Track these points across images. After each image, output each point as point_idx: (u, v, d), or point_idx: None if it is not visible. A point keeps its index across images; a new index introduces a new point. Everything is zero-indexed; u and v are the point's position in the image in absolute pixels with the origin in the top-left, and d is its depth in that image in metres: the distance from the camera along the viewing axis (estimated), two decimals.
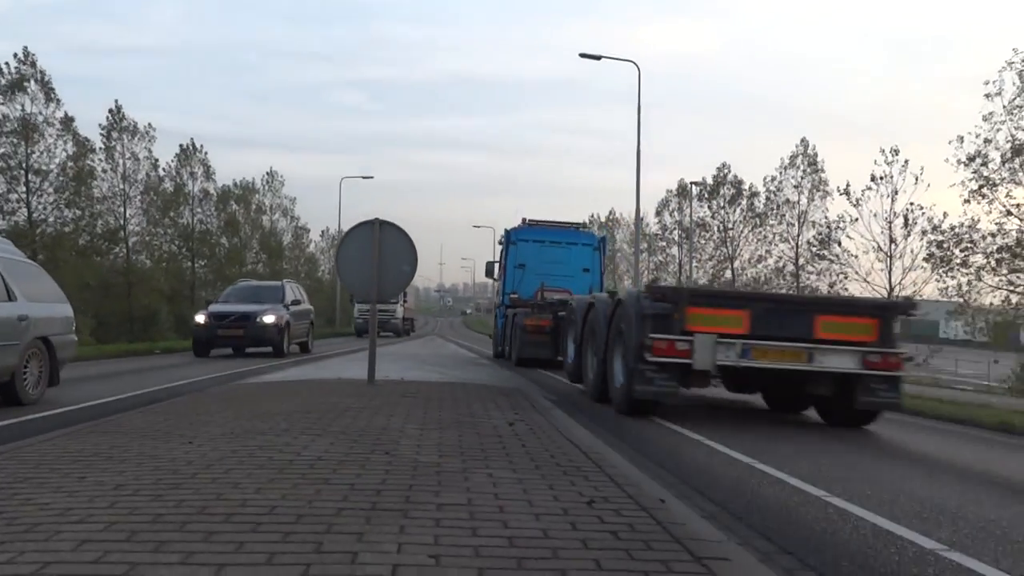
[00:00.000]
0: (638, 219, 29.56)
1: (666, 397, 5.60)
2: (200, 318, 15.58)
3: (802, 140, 42.94)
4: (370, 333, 8.96)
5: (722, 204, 48.79)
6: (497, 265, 16.27)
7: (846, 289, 29.87)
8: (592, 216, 68.48)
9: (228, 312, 15.54)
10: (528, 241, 14.65)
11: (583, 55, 24.84)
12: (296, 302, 16.94)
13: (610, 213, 68.70)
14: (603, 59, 24.92)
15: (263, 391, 7.87)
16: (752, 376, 5.40)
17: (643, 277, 52.15)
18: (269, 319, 15.54)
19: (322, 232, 63.62)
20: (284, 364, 14.20)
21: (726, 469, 4.62)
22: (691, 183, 39.40)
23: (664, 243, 53.05)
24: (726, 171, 48.76)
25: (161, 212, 36.91)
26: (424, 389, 8.30)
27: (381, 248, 8.56)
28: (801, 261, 41.52)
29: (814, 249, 39.09)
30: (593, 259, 14.53)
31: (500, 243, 15.44)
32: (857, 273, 27.85)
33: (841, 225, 31.94)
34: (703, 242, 49.63)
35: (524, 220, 14.96)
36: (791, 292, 23.27)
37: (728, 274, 47.79)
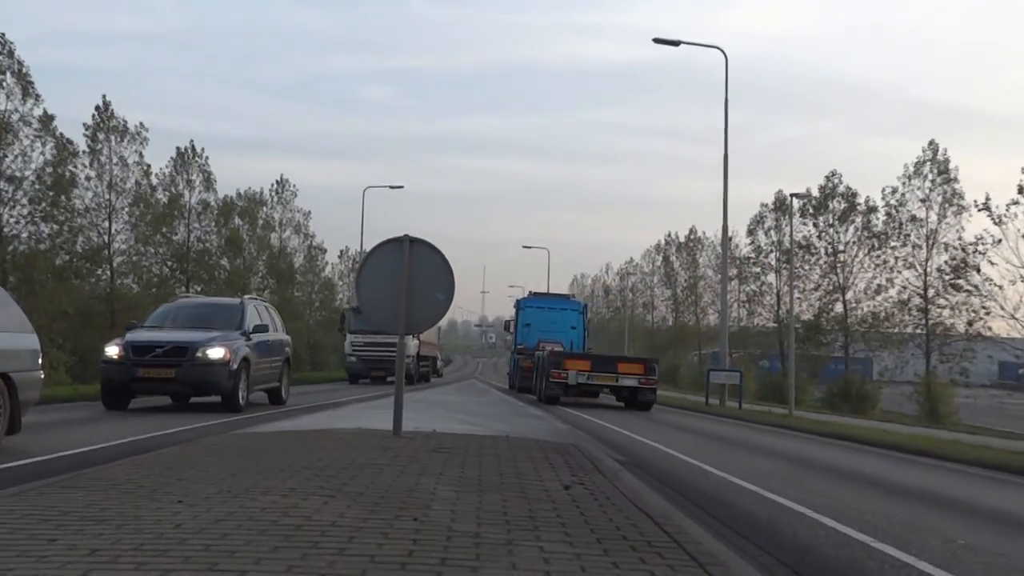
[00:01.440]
0: (725, 239, 29.32)
1: (557, 397, 18.88)
2: (112, 350, 12.50)
3: (930, 143, 42.02)
4: (396, 375, 9.05)
5: (831, 221, 47.91)
6: (512, 324, 32.81)
7: (989, 328, 29.92)
8: (670, 235, 68.98)
9: (154, 342, 12.56)
10: (532, 307, 31.23)
11: (658, 40, 24.92)
12: (261, 328, 14.15)
13: (690, 232, 68.74)
14: (682, 45, 25.10)
15: (267, 443, 7.97)
16: (597, 388, 20.16)
17: (731, 310, 52.04)
18: (216, 353, 12.65)
19: (340, 252, 64.90)
20: (293, 411, 14.47)
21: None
22: (792, 195, 39.07)
23: (758, 269, 52.45)
24: (835, 181, 47.80)
25: (152, 228, 37.82)
26: (461, 443, 8.34)
27: (411, 271, 8.71)
28: (931, 292, 40.41)
29: (947, 278, 37.66)
30: (578, 320, 31.00)
31: (514, 308, 31.80)
32: (1003, 308, 26.36)
33: (980, 248, 31.52)
34: (807, 268, 48.78)
35: (529, 292, 33.39)
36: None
37: (839, 307, 46.41)
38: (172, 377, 12.59)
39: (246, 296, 16.04)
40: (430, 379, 38.06)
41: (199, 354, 12.72)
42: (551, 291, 38.71)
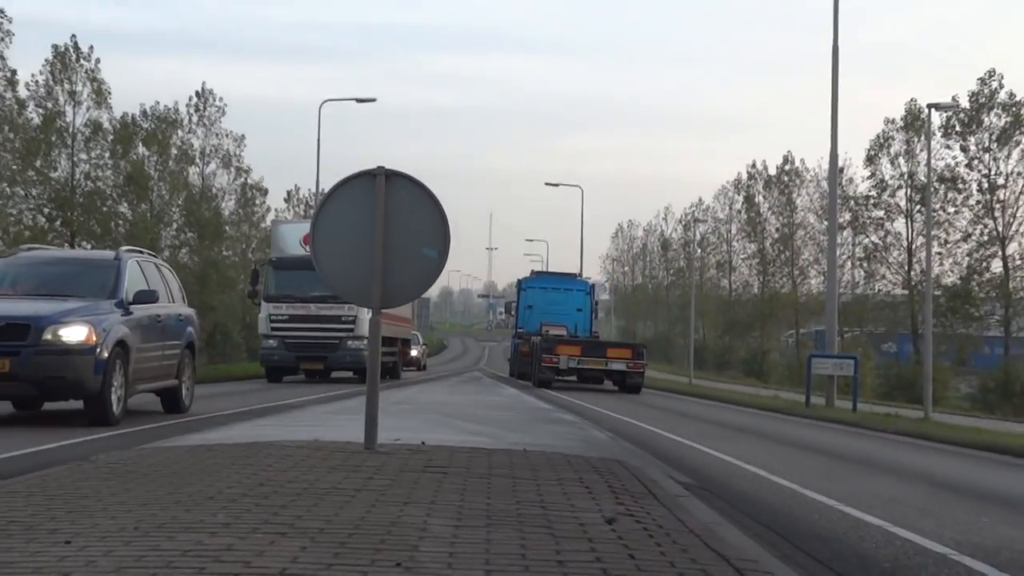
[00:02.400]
0: (834, 171, 29.20)
1: (549, 381, 32.31)
2: None
3: None
4: (368, 365, 9.15)
5: (986, 144, 47.17)
6: (513, 306, 40.78)
7: None
8: (754, 166, 68.98)
9: None
10: (535, 288, 39.65)
11: None
12: (147, 297, 13.96)
13: (784, 162, 68.67)
14: None
15: (190, 461, 8.09)
16: (590, 373, 33.28)
17: (843, 272, 51.71)
18: (74, 334, 12.28)
19: (288, 193, 65.15)
20: (230, 418, 14.73)
21: None
22: (930, 107, 38.63)
23: (881, 212, 51.80)
24: (994, 85, 47.00)
25: (21, 159, 37.98)
26: (460, 460, 8.46)
27: (388, 218, 8.81)
28: None
29: None
30: (584, 301, 39.65)
31: (516, 288, 38.00)
32: None
33: None
34: (952, 211, 48.06)
35: (532, 272, 42.22)
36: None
37: (997, 266, 45.49)
38: (6, 371, 11.93)
39: (124, 249, 15.16)
40: (399, 373, 35.96)
41: (48, 336, 12.13)
42: (560, 271, 46.11)
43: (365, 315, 28.68)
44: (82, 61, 41.32)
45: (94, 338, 12.38)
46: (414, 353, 49.52)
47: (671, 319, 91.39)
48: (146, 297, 13.91)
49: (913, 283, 49.37)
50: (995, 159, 48.07)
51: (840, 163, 37.03)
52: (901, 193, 51.17)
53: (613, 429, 15.65)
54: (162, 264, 16.27)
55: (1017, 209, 47.64)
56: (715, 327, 77.25)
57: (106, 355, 12.54)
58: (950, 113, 45.51)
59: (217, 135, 51.65)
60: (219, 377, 32.46)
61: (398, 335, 34.13)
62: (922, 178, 48.01)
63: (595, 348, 34.10)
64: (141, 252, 15.64)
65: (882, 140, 51.34)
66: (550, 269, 51.46)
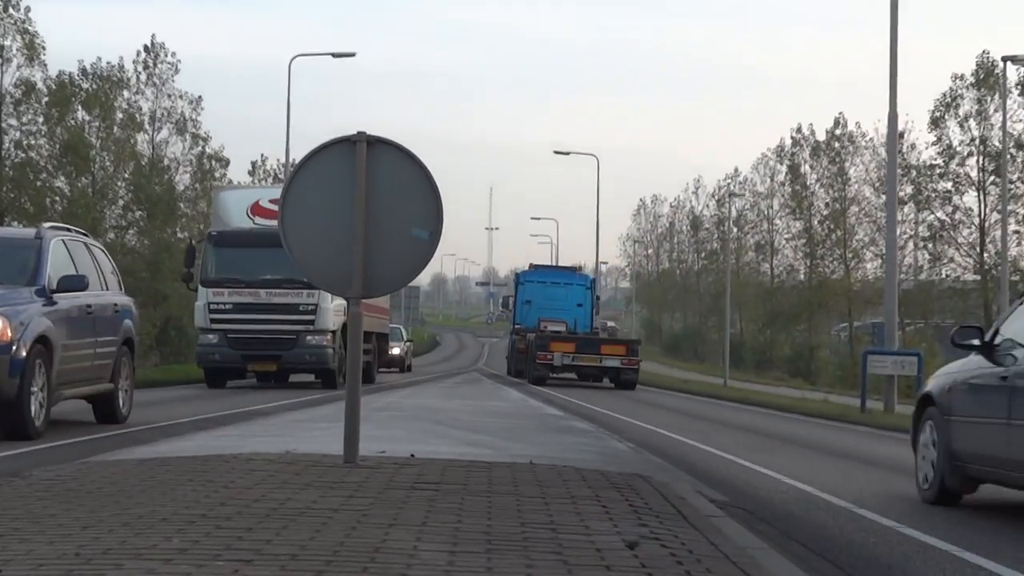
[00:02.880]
0: (893, 135, 29.23)
1: (544, 378, 38.12)
2: None
3: None
4: (349, 366, 9.18)
5: None
6: (511, 300, 47.08)
7: None
8: (799, 131, 68.79)
9: None
10: (533, 282, 46.10)
11: None
12: (74, 284, 13.78)
13: (835, 125, 68.56)
14: None
15: (142, 476, 8.13)
16: (584, 370, 40.47)
17: (904, 253, 51.49)
18: None
19: (253, 165, 65.06)
20: (185, 426, 14.83)
21: None
22: (1005, 60, 38.59)
23: (949, 184, 51.63)
24: None
25: None
26: (456, 475, 8.51)
27: (371, 193, 8.86)
28: None
29: None
30: (585, 296, 45.68)
31: (513, 282, 48.25)
32: None
33: None
34: None
35: (531, 265, 50.83)
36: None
37: None
38: None
39: (47, 226, 14.85)
40: (374, 376, 34.78)
41: None
42: (558, 263, 53.02)
43: (329, 303, 27.88)
44: (10, 11, 41.25)
45: (9, 333, 12.20)
46: (395, 351, 48.97)
47: (703, 310, 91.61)
48: (74, 284, 13.63)
49: (986, 266, 49.67)
50: None
51: (900, 126, 37.05)
52: (972, 161, 51.15)
53: (635, 439, 15.69)
54: (94, 244, 15.98)
55: None
56: (754, 319, 77.39)
57: (24, 354, 12.31)
58: None
59: (169, 96, 51.71)
60: (174, 379, 32.48)
61: (372, 328, 32.70)
62: (996, 144, 47.94)
63: (589, 345, 40.33)
64: (68, 230, 15.38)
65: (949, 100, 51.18)
66: (561, 251, 54.72)
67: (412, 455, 9.90)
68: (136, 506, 6.56)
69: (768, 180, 75.11)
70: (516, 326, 46.64)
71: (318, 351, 28.31)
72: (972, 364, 9.82)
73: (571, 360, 39.23)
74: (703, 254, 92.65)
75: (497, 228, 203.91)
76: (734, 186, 78.72)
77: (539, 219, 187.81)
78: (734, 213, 77.65)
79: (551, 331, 42.03)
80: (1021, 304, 9.72)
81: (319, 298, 27.76)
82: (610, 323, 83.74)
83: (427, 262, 9.12)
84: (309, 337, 28.18)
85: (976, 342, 9.73)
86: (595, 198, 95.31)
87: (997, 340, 9.56)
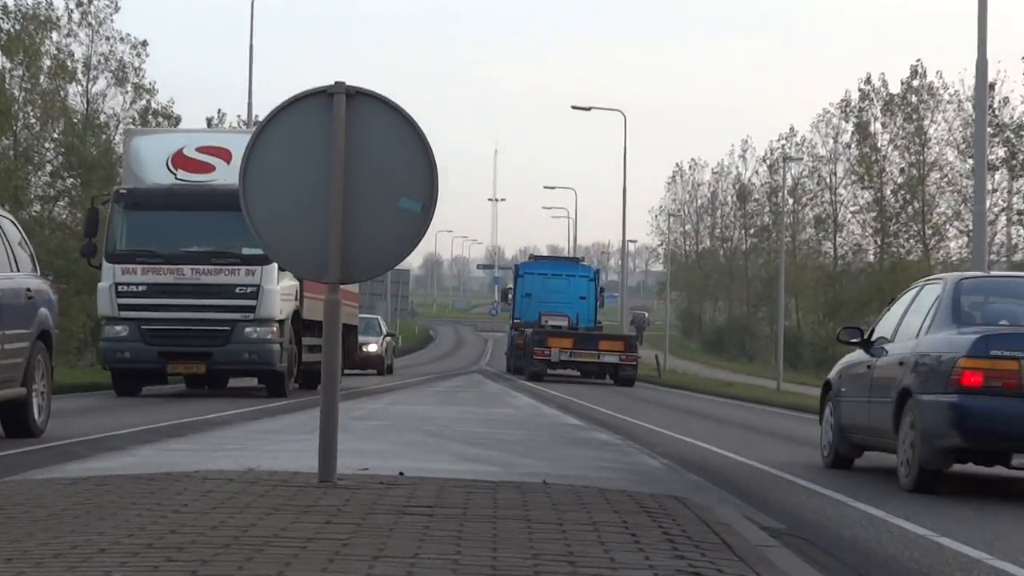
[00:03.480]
0: (983, 87, 29.10)
1: (541, 374, 46.77)
2: None
3: None
4: (325, 366, 9.17)
5: None
6: (510, 293, 56.83)
7: None
8: (868, 82, 68.32)
9: None
10: (534, 274, 55.37)
11: None
12: None
13: (913, 73, 67.96)
14: None
15: (76, 499, 8.14)
16: (582, 366, 48.97)
17: (995, 228, 51.39)
18: None
19: (209, 121, 64.56)
20: (127, 439, 14.87)
21: None
22: None
23: None
24: None
25: None
26: (453, 496, 8.55)
27: (351, 156, 8.89)
28: None
29: None
30: (588, 289, 54.73)
31: (513, 273, 59.70)
32: None
33: None
34: None
35: (530, 256, 67.24)
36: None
37: None
38: None
39: None
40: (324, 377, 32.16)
41: None
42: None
43: (275, 284, 26.05)
44: None
45: None
46: (370, 348, 48.28)
47: (751, 299, 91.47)
48: None
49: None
50: None
51: (991, 77, 36.88)
52: None
53: (668, 453, 15.74)
54: (1, 215, 15.95)
55: None
56: (814, 309, 77.20)
57: None
58: None
59: (108, 40, 51.51)
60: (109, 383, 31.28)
61: (351, 319, 31.62)
62: None
63: (587, 341, 48.09)
64: None
65: None
66: (580, 227, 58.95)
67: (400, 473, 9.91)
68: (69, 534, 6.54)
69: (830, 141, 74.98)
70: (515, 320, 54.11)
71: (260, 347, 26.36)
72: (856, 357, 14.97)
73: (569, 356, 46.87)
74: (752, 231, 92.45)
75: (503, 199, 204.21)
76: (789, 148, 78.62)
77: (553, 188, 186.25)
78: (789, 181, 77.44)
79: (551, 326, 49.82)
80: (890, 306, 14.90)
81: (262, 277, 26.01)
82: (645, 313, 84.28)
83: (419, 240, 9.13)
84: (248, 329, 26.29)
85: (856, 340, 14.92)
86: (621, 163, 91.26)
87: (873, 337, 14.48)
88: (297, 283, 27.29)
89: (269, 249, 9.43)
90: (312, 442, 9.28)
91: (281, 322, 26.72)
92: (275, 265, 25.00)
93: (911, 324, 13.82)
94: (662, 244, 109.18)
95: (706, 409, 31.10)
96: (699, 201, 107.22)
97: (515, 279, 56.41)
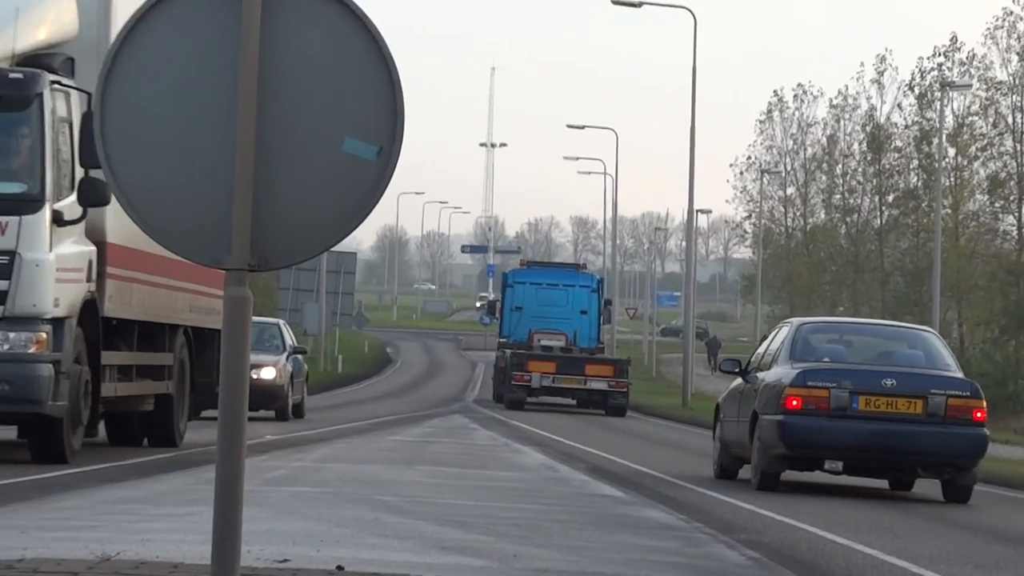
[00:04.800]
0: None
1: (520, 401, 67.62)
2: None
3: None
4: (222, 396, 9.13)
5: None
6: (498, 306, 77.76)
7: None
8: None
9: None
10: (525, 284, 72.53)
11: None
12: None
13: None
14: None
15: None
16: (564, 392, 73.69)
17: None
18: None
19: None
20: None
21: None
22: None
23: None
24: None
25: None
26: None
27: (270, 75, 8.98)
28: None
29: None
30: (591, 301, 72.03)
31: (501, 283, 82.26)
32: None
33: None
34: None
35: (522, 261, 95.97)
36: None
37: None
38: None
39: None
40: (175, 432, 29.39)
41: None
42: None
43: (43, 252, 23.54)
44: None
45: None
46: (265, 374, 44.74)
47: (889, 302, 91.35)
48: None
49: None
50: None
51: None
52: None
53: (761, 541, 15.88)
54: None
55: None
56: (987, 320, 77.08)
57: None
58: None
59: None
60: None
61: (184, 321, 29.40)
62: None
63: (572, 365, 62.56)
64: None
65: None
66: (623, 190, 63.83)
67: (339, 567, 10.03)
68: None
69: (1014, 59, 75.19)
70: (502, 339, 67.56)
71: (11, 371, 23.72)
72: (736, 383, 27.38)
73: (552, 381, 62.54)
74: (891, 197, 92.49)
75: (502, 144, 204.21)
76: (950, 70, 78.76)
77: (581, 129, 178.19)
78: (950, 120, 77.60)
79: (542, 346, 62.83)
80: (764, 340, 27.05)
81: (18, 237, 23.60)
82: (703, 324, 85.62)
83: (372, 204, 9.06)
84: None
85: (737, 370, 27.48)
86: (688, 91, 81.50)
87: (749, 368, 26.70)
88: (92, 250, 24.84)
89: (141, 219, 9.13)
90: (201, 518, 9.34)
91: (58, 323, 24.12)
92: (44, 214, 23.32)
93: (768, 358, 26.18)
94: (750, 216, 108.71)
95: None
96: (808, 151, 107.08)
97: (503, 289, 69.45)
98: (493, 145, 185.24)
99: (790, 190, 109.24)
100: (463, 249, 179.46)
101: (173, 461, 23.53)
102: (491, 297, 74.66)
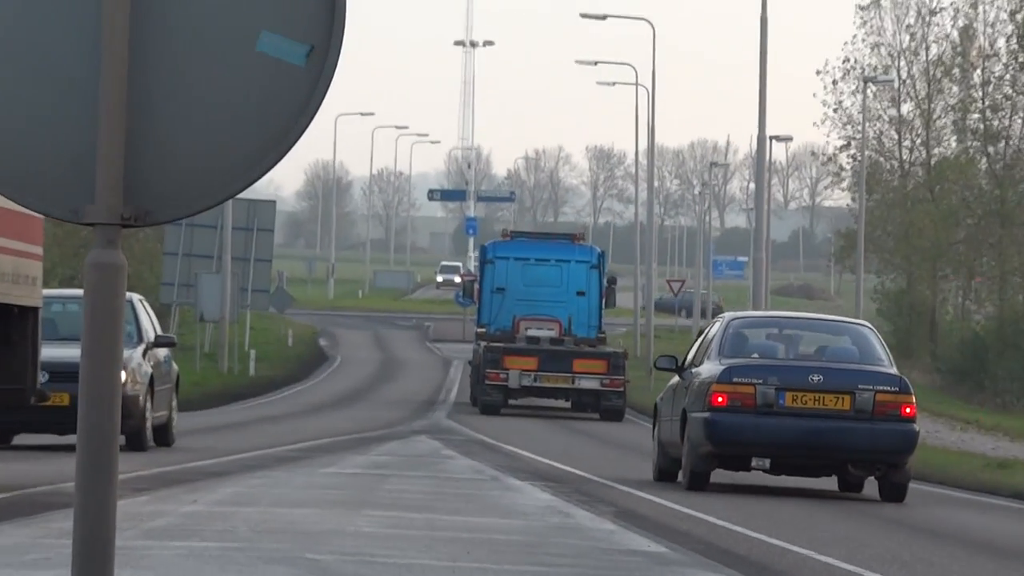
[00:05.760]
0: None
1: (497, 406, 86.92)
2: None
3: None
4: (83, 413, 9.16)
5: None
6: (475, 287, 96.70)
7: None
8: None
9: None
10: (508, 259, 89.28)
11: None
12: None
13: None
14: None
15: None
16: (549, 392, 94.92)
17: None
18: None
19: None
20: None
21: None
22: None
23: None
24: None
25: None
26: None
27: None
28: None
29: None
30: (590, 279, 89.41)
31: (477, 259, 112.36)
32: None
33: None
34: None
35: (504, 231, 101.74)
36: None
37: None
38: None
39: None
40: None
41: None
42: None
43: None
44: None
45: None
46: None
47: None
48: None
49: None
50: None
51: None
52: None
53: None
54: None
55: None
56: None
57: None
58: None
59: None
60: None
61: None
62: None
63: (557, 360, 71.60)
64: None
65: None
66: (660, 110, 65.93)
67: None
68: None
69: None
70: (480, 329, 76.93)
71: None
72: (674, 381, 42.49)
73: (533, 380, 71.94)
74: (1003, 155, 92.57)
75: (487, 44, 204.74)
76: None
77: (600, 19, 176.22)
78: None
79: (529, 336, 71.12)
80: (699, 338, 43.37)
81: None
82: (716, 298, 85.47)
83: (300, 130, 9.04)
84: None
85: (673, 367, 42.22)
86: None
87: (685, 364, 41.12)
88: None
89: None
90: None
91: None
92: None
93: (700, 354, 36.23)
94: (848, 146, 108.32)
95: (957, 525, 31.54)
96: (932, 50, 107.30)
97: (481, 267, 76.48)
98: (473, 44, 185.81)
99: (906, 108, 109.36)
100: (431, 195, 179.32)
101: (9, 504, 23.61)
102: (463, 269, 73.63)
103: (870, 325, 42.34)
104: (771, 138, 79.31)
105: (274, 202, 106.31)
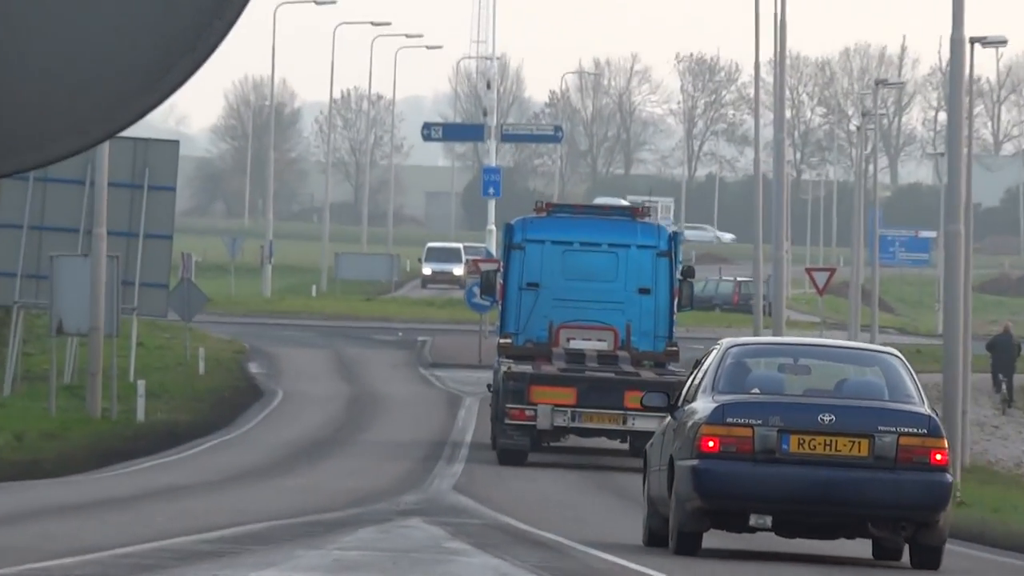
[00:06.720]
0: None
1: (522, 453, 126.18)
2: None
3: None
4: None
5: None
6: (497, 278, 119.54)
7: None
8: None
9: None
10: (544, 242, 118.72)
11: None
12: None
13: None
14: None
15: None
16: (592, 433, 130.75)
17: None
18: None
19: None
20: None
21: None
22: None
23: None
24: None
25: None
26: None
27: None
28: None
29: None
30: (657, 270, 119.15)
31: (503, 239, 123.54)
32: None
33: None
34: None
35: (539, 204, 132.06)
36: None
37: None
38: None
39: None
40: None
41: None
42: (605, 200, 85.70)
43: None
44: None
45: None
46: None
47: None
48: None
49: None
50: None
51: None
52: None
53: None
54: None
55: None
56: None
57: None
58: None
59: None
60: None
61: None
62: None
63: (602, 391, 77.30)
64: None
65: None
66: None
67: None
68: None
69: None
70: (504, 340, 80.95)
71: None
72: (666, 422, 63.87)
73: (569, 419, 77.63)
74: None
75: None
76: None
77: None
78: None
79: (571, 350, 73.48)
80: (691, 373, 64.17)
81: None
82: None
83: (220, 35, 8.60)
84: None
85: (663, 405, 64.99)
86: None
87: (679, 401, 62.29)
88: None
89: None
90: None
91: None
92: None
93: (693, 389, 52.80)
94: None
95: None
96: None
97: (506, 252, 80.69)
98: None
99: None
100: (427, 133, 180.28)
101: None
102: (482, 253, 75.00)
103: (899, 354, 44.04)
104: (973, 41, 76.75)
105: (177, 142, 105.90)
